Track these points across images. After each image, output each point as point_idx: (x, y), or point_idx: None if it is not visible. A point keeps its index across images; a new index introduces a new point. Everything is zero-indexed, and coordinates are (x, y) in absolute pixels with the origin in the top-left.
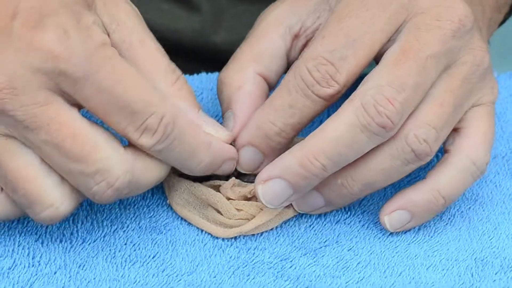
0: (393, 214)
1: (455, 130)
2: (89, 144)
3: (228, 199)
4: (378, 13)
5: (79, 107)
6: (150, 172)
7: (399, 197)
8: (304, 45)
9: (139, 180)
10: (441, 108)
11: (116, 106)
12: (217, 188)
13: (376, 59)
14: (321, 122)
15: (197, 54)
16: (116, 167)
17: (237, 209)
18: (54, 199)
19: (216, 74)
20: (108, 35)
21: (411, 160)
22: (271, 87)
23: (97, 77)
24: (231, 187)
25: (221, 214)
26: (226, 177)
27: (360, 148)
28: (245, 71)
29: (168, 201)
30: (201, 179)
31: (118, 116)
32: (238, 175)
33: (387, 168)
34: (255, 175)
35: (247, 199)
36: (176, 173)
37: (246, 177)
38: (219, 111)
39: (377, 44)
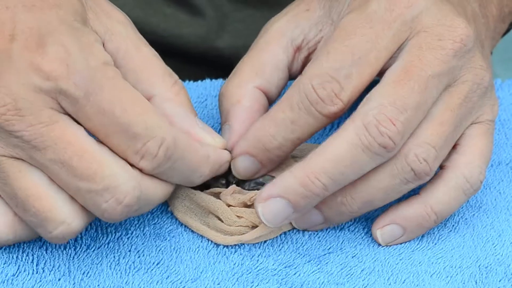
0: (385, 228)
1: (452, 146)
2: (96, 162)
3: (228, 206)
4: (383, 31)
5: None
6: (158, 188)
7: (391, 212)
8: (306, 58)
9: (148, 195)
10: (441, 127)
11: (115, 128)
12: (217, 196)
13: (378, 75)
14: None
15: (201, 59)
16: (124, 184)
17: (237, 216)
18: (65, 216)
19: (220, 80)
20: (103, 45)
21: (411, 179)
22: (271, 100)
23: (98, 98)
24: (231, 193)
25: (222, 221)
26: (227, 185)
27: (361, 168)
28: (244, 85)
29: (169, 208)
30: (202, 188)
31: (118, 138)
32: (239, 182)
33: (387, 187)
34: (256, 183)
35: (247, 206)
36: None
37: (247, 184)
38: None
39: (381, 62)
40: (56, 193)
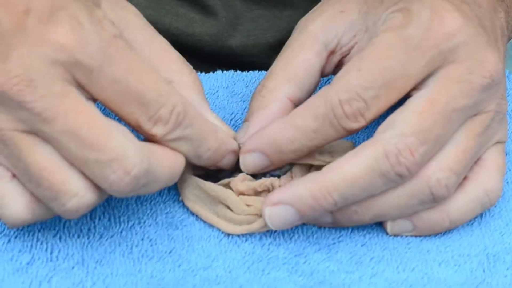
0: (397, 220)
1: None
2: (105, 132)
3: (239, 193)
4: (416, 59)
5: (94, 100)
6: (166, 164)
7: None
8: (339, 61)
9: (156, 171)
10: (464, 154)
11: (129, 97)
12: (227, 186)
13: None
14: None
15: (213, 58)
16: (132, 155)
17: (246, 204)
18: (78, 189)
19: (231, 72)
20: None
21: (428, 201)
22: (300, 103)
23: (111, 68)
24: (242, 181)
25: (231, 210)
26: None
27: (372, 190)
28: (276, 92)
29: (180, 197)
30: (213, 180)
31: (131, 106)
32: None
33: (403, 205)
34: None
35: (257, 192)
36: (188, 171)
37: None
38: (234, 109)
39: (409, 87)
40: (68, 167)
